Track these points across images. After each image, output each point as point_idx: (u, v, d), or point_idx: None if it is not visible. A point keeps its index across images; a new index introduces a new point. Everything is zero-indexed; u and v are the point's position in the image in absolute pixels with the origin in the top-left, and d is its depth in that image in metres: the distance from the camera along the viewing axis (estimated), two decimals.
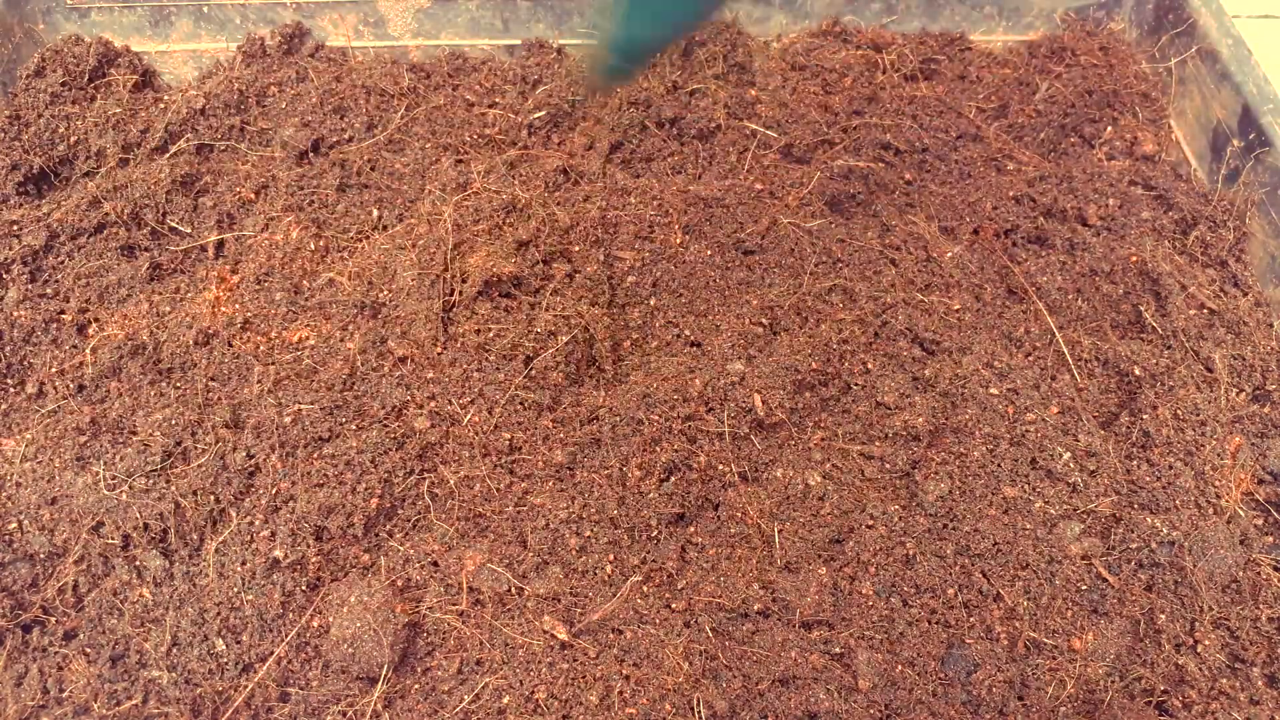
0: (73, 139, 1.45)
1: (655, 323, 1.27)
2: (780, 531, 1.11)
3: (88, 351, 1.25)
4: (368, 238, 1.37)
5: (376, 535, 1.10)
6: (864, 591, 1.07)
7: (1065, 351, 1.26)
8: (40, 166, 1.43)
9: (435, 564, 1.08)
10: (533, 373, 1.19)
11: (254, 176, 1.44)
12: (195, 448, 1.14)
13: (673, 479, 1.12)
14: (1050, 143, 1.53)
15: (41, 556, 1.09)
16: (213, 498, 1.10)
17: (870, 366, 1.22)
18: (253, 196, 1.42)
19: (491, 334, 1.21)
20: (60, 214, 1.36)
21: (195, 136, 1.48)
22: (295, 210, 1.39)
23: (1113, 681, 1.03)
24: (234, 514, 1.10)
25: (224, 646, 1.03)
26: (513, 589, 1.05)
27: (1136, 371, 1.22)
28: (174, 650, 1.04)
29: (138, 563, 1.09)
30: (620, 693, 0.98)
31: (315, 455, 1.13)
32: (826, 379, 1.21)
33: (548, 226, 1.30)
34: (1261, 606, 1.08)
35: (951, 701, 1.01)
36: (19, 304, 1.29)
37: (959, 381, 1.21)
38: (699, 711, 0.97)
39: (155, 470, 1.12)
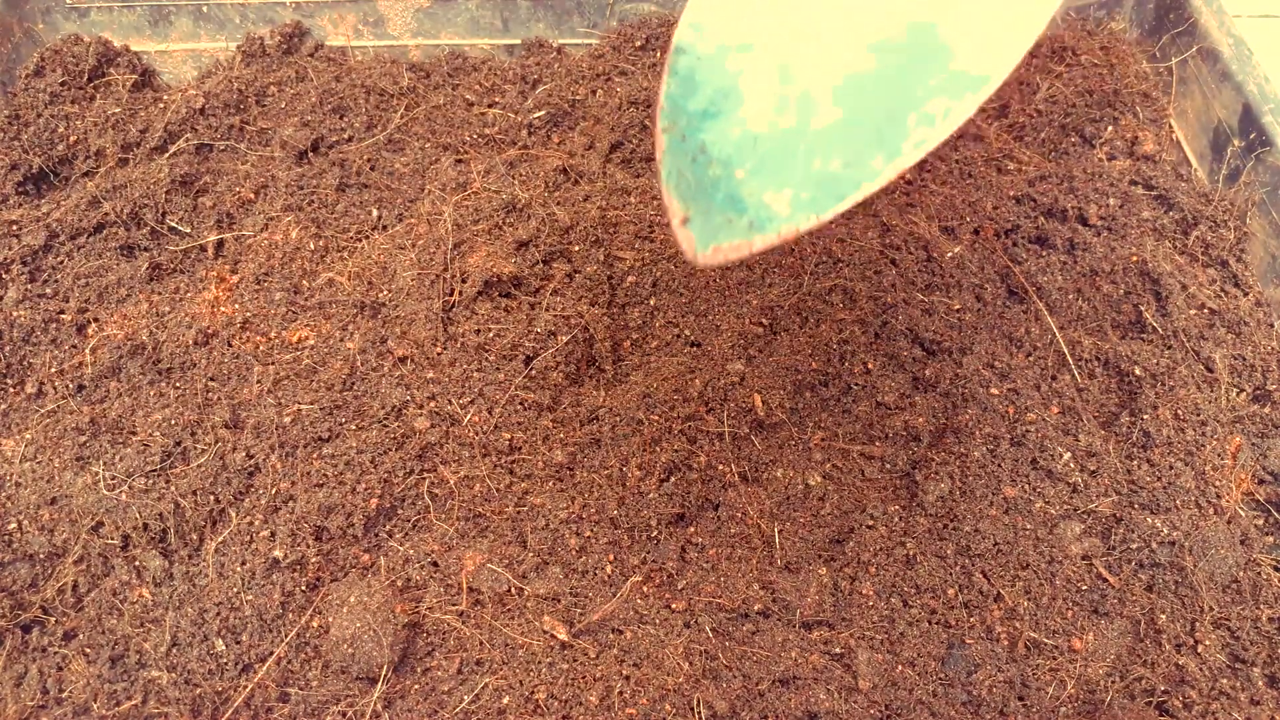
0: (72, 139, 1.45)
1: (655, 323, 1.27)
2: (780, 531, 1.11)
3: (87, 351, 1.25)
4: (368, 238, 1.37)
5: (376, 535, 1.10)
6: (864, 591, 1.07)
7: (1065, 351, 1.26)
8: (40, 166, 1.43)
9: (435, 564, 1.08)
10: (533, 373, 1.19)
11: (254, 176, 1.44)
12: (195, 448, 1.14)
13: (673, 479, 1.12)
14: (1050, 143, 1.53)
15: (41, 556, 1.09)
16: (212, 498, 1.10)
17: (870, 366, 1.22)
18: (252, 196, 1.42)
19: (491, 334, 1.21)
20: (60, 214, 1.36)
21: (195, 136, 1.48)
22: (295, 210, 1.39)
23: (1113, 681, 1.03)
24: (234, 514, 1.10)
25: (224, 646, 1.03)
26: (513, 589, 1.05)
27: (1136, 371, 1.22)
28: (174, 650, 1.04)
29: (137, 563, 1.09)
30: (620, 693, 0.97)
31: (315, 455, 1.13)
32: (826, 379, 1.21)
33: (548, 226, 1.30)
34: (1261, 606, 1.08)
35: (951, 701, 1.01)
36: (19, 304, 1.29)
37: (959, 382, 1.21)
38: (699, 711, 0.97)
39: (155, 470, 1.12)
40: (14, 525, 1.10)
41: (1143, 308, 1.29)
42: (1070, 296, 1.31)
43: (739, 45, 0.86)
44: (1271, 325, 1.29)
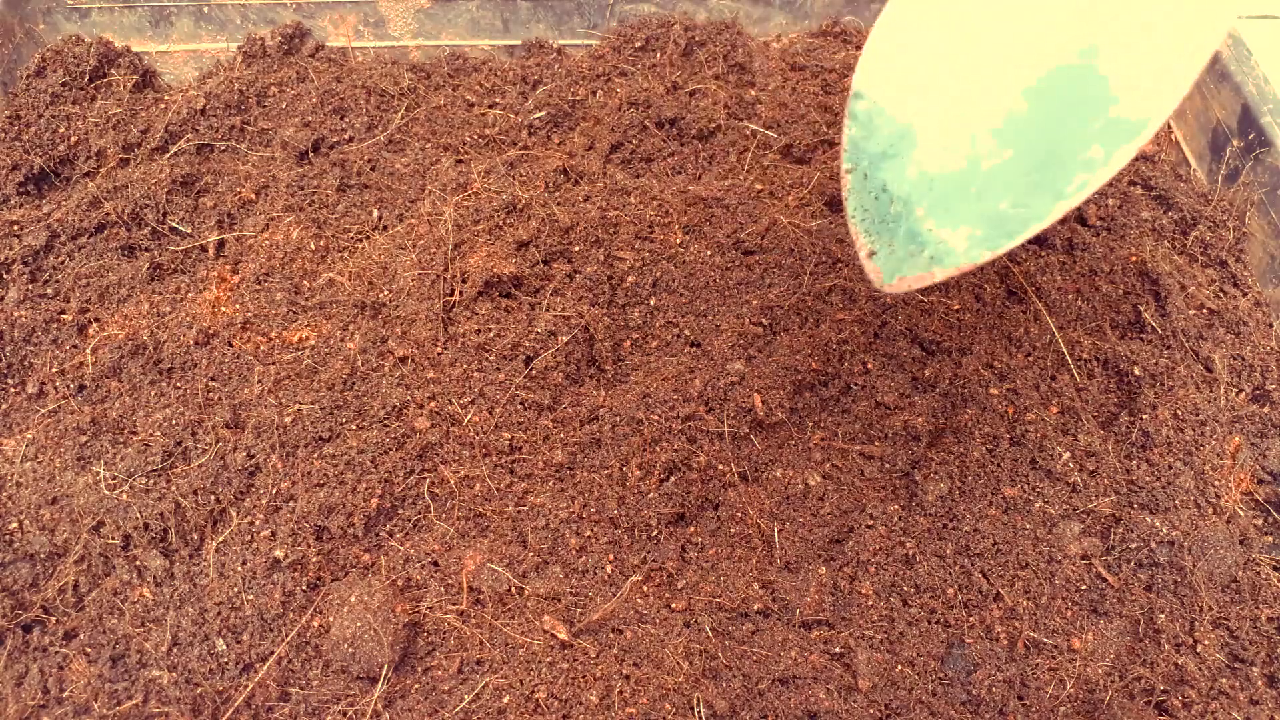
0: (73, 139, 1.46)
1: (655, 323, 1.27)
2: (780, 531, 1.11)
3: (88, 351, 1.25)
4: (368, 238, 1.37)
5: (376, 535, 1.10)
6: (864, 591, 1.07)
7: (1064, 351, 1.26)
8: (41, 166, 1.44)
9: (435, 564, 1.08)
10: (533, 373, 1.19)
11: (254, 176, 1.44)
12: (195, 448, 1.14)
13: (673, 479, 1.12)
14: None
15: (42, 556, 1.09)
16: (213, 497, 1.10)
17: (870, 366, 1.22)
18: (253, 196, 1.42)
19: (491, 334, 1.21)
20: (61, 214, 1.37)
21: (195, 136, 1.48)
22: (295, 210, 1.39)
23: (1112, 681, 1.03)
24: (234, 514, 1.10)
25: (224, 646, 1.03)
26: (513, 589, 1.05)
27: (1136, 371, 1.22)
28: (174, 650, 1.04)
29: (138, 562, 1.09)
30: (620, 692, 0.98)
31: (315, 455, 1.13)
32: (826, 379, 1.21)
33: (548, 226, 1.30)
34: (1261, 606, 1.08)
35: (951, 701, 1.01)
36: (19, 304, 1.29)
37: (959, 381, 1.21)
38: (699, 711, 0.97)
39: (155, 470, 1.12)
40: (15, 525, 1.10)
41: (1142, 308, 1.29)
42: (1069, 296, 1.32)
43: (912, 90, 0.92)
44: (1270, 325, 1.29)
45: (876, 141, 0.93)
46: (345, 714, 0.99)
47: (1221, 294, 1.32)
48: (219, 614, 1.04)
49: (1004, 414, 1.18)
